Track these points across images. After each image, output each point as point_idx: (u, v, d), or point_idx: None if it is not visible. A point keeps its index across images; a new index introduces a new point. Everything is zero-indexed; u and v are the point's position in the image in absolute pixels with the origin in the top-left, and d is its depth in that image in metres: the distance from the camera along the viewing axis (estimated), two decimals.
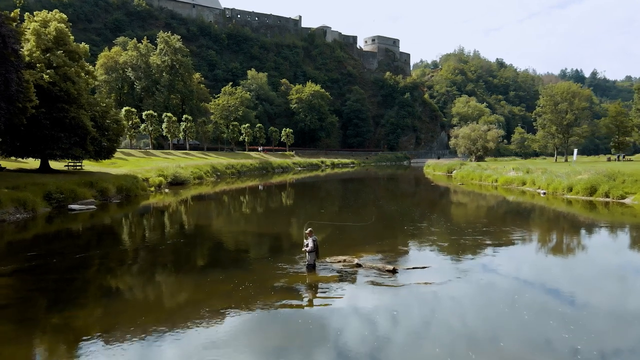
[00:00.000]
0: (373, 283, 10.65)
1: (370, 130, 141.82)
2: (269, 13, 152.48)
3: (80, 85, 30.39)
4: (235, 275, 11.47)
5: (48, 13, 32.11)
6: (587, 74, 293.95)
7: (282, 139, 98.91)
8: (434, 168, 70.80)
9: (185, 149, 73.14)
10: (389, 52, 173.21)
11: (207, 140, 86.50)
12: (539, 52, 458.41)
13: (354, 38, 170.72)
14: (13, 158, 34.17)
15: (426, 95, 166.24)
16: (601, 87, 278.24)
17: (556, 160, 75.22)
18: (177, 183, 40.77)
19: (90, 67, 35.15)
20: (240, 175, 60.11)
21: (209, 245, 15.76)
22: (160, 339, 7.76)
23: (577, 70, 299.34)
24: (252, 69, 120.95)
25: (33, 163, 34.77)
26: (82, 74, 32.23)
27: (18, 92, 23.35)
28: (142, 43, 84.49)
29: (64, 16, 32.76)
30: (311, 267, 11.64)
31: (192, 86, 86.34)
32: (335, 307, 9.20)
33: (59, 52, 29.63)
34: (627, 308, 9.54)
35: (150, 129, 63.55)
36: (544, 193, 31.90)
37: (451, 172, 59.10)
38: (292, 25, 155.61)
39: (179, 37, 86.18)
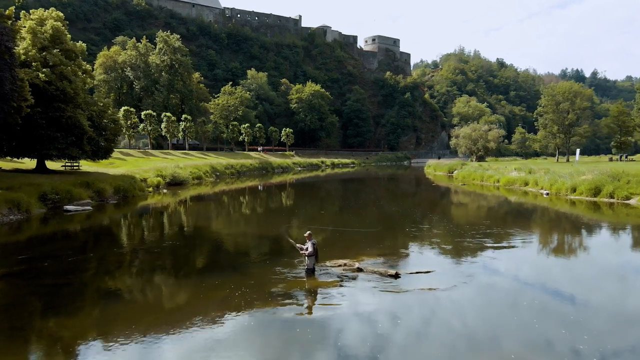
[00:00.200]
0: (375, 289, 10.24)
1: (370, 130, 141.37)
2: (268, 13, 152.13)
3: (77, 84, 29.99)
4: (232, 280, 11.06)
5: (44, 11, 31.69)
6: (587, 74, 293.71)
7: (282, 139, 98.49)
8: (434, 168, 70.37)
9: (185, 149, 72.72)
10: (389, 51, 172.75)
11: (206, 140, 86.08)
12: (539, 52, 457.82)
13: (354, 38, 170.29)
14: (9, 158, 33.78)
15: (426, 95, 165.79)
16: (602, 87, 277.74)
17: (557, 160, 74.80)
18: (175, 183, 40.34)
19: (88, 66, 34.72)
20: (240, 176, 59.69)
21: (206, 247, 15.33)
22: (150, 349, 7.34)
23: (577, 70, 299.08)
24: (252, 68, 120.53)
25: (29, 163, 34.37)
26: (79, 73, 31.84)
27: (12, 91, 22.94)
28: (141, 42, 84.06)
29: (61, 14, 32.33)
30: (310, 272, 11.22)
31: (192, 86, 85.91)
32: (336, 315, 8.79)
33: (55, 51, 29.22)
34: None
35: (149, 128, 63.13)
36: (547, 194, 31.48)
37: (452, 173, 58.66)
38: (292, 24, 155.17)
39: (178, 36, 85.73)
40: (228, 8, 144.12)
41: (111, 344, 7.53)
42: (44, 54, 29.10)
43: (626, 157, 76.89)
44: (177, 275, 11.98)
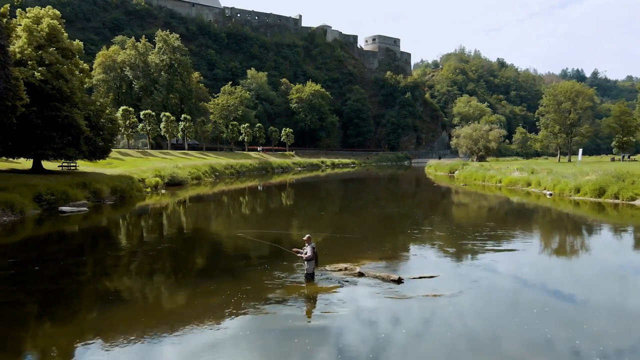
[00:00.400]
0: (377, 295, 9.80)
1: (370, 130, 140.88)
2: (269, 12, 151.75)
3: (73, 83, 29.51)
4: (228, 285, 10.63)
5: (41, 9, 31.25)
6: (588, 74, 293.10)
7: (282, 139, 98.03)
8: (435, 168, 69.93)
9: (184, 149, 72.27)
10: (389, 51, 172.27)
11: (206, 140, 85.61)
12: (540, 52, 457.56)
13: (355, 37, 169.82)
14: (4, 158, 33.35)
15: (427, 95, 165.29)
16: (602, 87, 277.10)
17: (559, 160, 74.31)
18: (174, 184, 39.92)
19: (85, 65, 34.27)
20: (240, 176, 59.26)
21: (203, 250, 14.88)
22: (139, 357, 6.93)
23: (578, 70, 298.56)
24: (252, 68, 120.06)
25: (26, 163, 33.93)
26: (76, 72, 31.36)
27: (6, 89, 22.50)
28: (140, 42, 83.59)
29: (57, 12, 31.89)
30: (310, 277, 10.78)
31: (191, 85, 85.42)
32: (336, 324, 8.35)
33: (51, 49, 28.75)
34: None
35: (148, 128, 62.65)
36: (550, 194, 31.05)
37: (453, 173, 58.22)
38: (292, 24, 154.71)
39: (177, 35, 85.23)
40: (228, 7, 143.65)
41: (98, 351, 7.09)
42: (40, 52, 28.64)
43: (629, 157, 76.35)
44: (171, 280, 11.54)
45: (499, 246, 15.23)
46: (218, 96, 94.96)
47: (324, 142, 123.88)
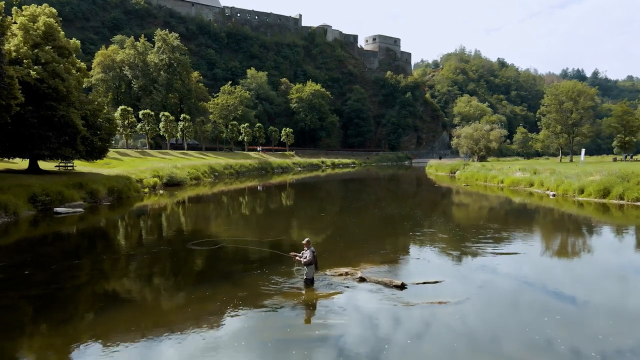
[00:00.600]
0: (379, 302, 9.37)
1: (371, 130, 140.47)
2: (268, 12, 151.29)
3: (70, 82, 29.08)
4: (224, 291, 10.20)
5: (37, 7, 30.82)
6: (588, 74, 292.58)
7: (282, 139, 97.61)
8: (436, 168, 69.50)
9: (183, 149, 71.84)
10: (390, 51, 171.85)
11: (205, 140, 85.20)
12: (540, 52, 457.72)
13: (355, 37, 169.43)
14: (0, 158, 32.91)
15: (427, 95, 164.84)
16: (603, 86, 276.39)
17: (561, 160, 73.83)
18: (172, 184, 39.51)
19: (82, 64, 33.85)
20: (239, 176, 58.85)
21: (199, 253, 14.39)
22: None
23: (578, 70, 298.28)
24: (252, 68, 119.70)
25: (22, 164, 33.50)
26: (73, 71, 30.94)
27: (0, 88, 22.07)
28: (139, 41, 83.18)
29: (54, 10, 31.46)
30: (309, 282, 10.35)
31: (191, 85, 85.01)
32: (336, 333, 7.91)
33: (47, 48, 28.33)
34: None
35: (147, 128, 62.20)
36: (554, 195, 30.61)
37: (454, 173, 57.78)
38: (292, 24, 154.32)
39: (176, 35, 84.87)
40: (228, 7, 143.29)
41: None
42: (35, 51, 28.23)
43: (631, 157, 75.89)
44: (165, 285, 11.10)
45: (504, 248, 14.79)
46: (218, 96, 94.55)
47: (324, 142, 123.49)
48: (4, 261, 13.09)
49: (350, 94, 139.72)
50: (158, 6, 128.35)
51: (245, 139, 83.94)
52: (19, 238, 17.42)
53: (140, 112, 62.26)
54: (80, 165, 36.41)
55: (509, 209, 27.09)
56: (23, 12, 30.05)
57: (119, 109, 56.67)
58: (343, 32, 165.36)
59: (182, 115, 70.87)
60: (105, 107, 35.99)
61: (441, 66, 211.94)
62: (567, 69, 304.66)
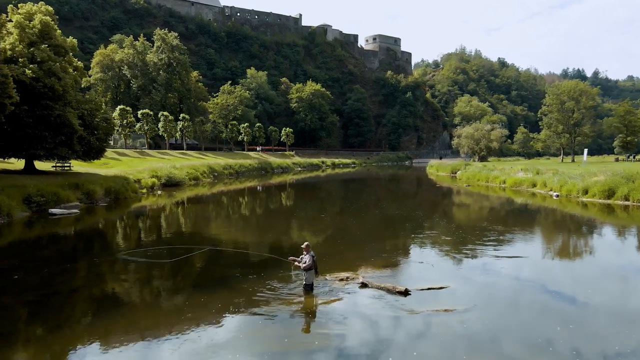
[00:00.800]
0: (382, 309, 8.94)
1: (371, 130, 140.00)
2: (268, 11, 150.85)
3: (66, 81, 28.61)
4: (220, 297, 9.76)
5: (33, 5, 30.37)
6: (588, 74, 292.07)
7: (281, 139, 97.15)
8: (437, 168, 69.05)
9: (183, 149, 71.42)
10: (390, 51, 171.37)
11: (205, 140, 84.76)
12: (540, 52, 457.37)
13: (355, 37, 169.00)
14: None
15: (428, 95, 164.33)
16: (603, 86, 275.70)
17: (562, 160, 73.39)
18: (171, 184, 39.09)
19: (79, 63, 33.41)
20: (239, 176, 58.42)
21: (195, 257, 13.93)
22: None
23: (579, 70, 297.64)
24: (252, 67, 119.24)
25: (18, 164, 33.06)
26: (70, 70, 30.50)
27: None
28: (138, 41, 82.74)
29: (50, 9, 31.01)
30: (309, 288, 9.91)
31: (190, 84, 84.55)
32: (336, 344, 7.47)
33: (43, 46, 27.89)
34: None
35: (146, 128, 61.76)
36: (557, 195, 30.17)
37: (455, 173, 57.35)
38: (292, 23, 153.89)
39: (176, 34, 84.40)
40: (227, 6, 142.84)
41: None
42: (31, 49, 27.79)
43: (634, 157, 75.42)
44: (157, 291, 10.67)
45: (509, 251, 14.35)
46: (217, 96, 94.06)
47: (324, 142, 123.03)
48: None
49: (351, 93, 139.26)
50: (157, 5, 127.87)
51: (245, 139, 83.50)
52: (12, 240, 17.00)
53: (139, 112, 61.81)
54: (78, 166, 35.98)
55: (512, 210, 26.65)
56: (19, 10, 29.61)
57: (118, 108, 56.24)
58: (343, 32, 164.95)
59: (181, 115, 70.42)
60: (103, 106, 35.46)
61: (441, 66, 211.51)
62: (568, 68, 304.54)
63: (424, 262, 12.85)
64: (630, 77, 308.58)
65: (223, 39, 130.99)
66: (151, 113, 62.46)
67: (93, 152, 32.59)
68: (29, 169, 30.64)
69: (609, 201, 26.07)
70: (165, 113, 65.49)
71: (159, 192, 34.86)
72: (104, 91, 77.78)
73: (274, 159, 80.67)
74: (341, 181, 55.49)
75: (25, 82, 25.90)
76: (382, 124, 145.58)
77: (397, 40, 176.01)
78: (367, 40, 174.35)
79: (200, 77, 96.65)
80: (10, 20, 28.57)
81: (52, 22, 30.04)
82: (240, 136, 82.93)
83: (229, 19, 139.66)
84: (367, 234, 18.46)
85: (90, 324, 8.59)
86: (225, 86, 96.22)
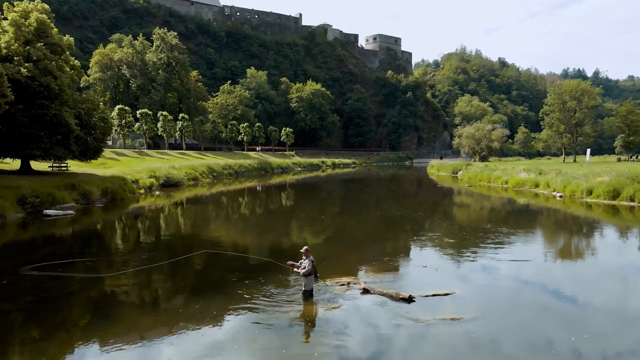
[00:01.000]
0: (385, 317, 8.51)
1: (371, 130, 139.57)
2: (268, 11, 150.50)
3: (62, 80, 28.15)
4: (215, 304, 9.34)
5: (29, 3, 29.93)
6: (589, 74, 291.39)
7: (281, 139, 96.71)
8: (438, 168, 68.63)
9: (182, 149, 70.98)
10: (390, 50, 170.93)
11: (204, 140, 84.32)
12: (540, 52, 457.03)
13: (355, 36, 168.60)
14: None
15: (428, 95, 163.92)
16: (604, 86, 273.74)
17: (564, 160, 72.96)
18: (170, 185, 38.66)
19: (76, 61, 32.96)
20: (238, 176, 57.99)
21: (191, 260, 13.47)
22: None
23: (579, 69, 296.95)
24: (252, 67, 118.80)
25: (14, 164, 32.61)
26: (66, 69, 30.05)
27: None
28: (137, 40, 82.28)
29: (46, 7, 30.55)
30: (308, 294, 9.48)
31: (189, 84, 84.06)
32: (337, 355, 7.04)
33: (39, 45, 27.45)
34: None
35: (145, 128, 61.31)
36: (561, 196, 29.73)
37: (457, 173, 56.93)
38: (292, 23, 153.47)
39: (175, 33, 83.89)
40: (227, 6, 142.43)
41: None
42: (27, 48, 27.35)
43: (636, 157, 74.96)
44: (150, 297, 10.24)
45: (517, 255, 13.89)
46: (217, 95, 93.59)
47: (324, 142, 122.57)
48: None
49: (351, 93, 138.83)
50: (157, 5, 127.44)
51: (245, 139, 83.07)
52: (6, 242, 16.57)
53: (138, 112, 61.36)
54: (75, 166, 35.53)
55: (516, 211, 26.21)
56: (14, 8, 29.17)
57: (117, 108, 55.80)
58: (343, 32, 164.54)
59: (180, 115, 69.95)
60: (101, 105, 34.98)
61: (442, 66, 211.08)
62: (568, 68, 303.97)
63: (428, 266, 12.42)
64: (631, 77, 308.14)
65: (223, 38, 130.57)
66: (150, 113, 62.02)
67: (90, 152, 32.12)
68: (25, 170, 30.21)
69: (614, 202, 25.64)
70: (165, 113, 65.05)
71: (157, 192, 34.45)
72: (103, 91, 77.27)
73: (274, 159, 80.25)
74: (341, 181, 55.06)
75: (21, 80, 25.46)
76: (383, 124, 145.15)
77: (397, 40, 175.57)
78: (367, 40, 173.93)
79: (200, 76, 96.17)
80: (6, 19, 28.16)
81: (49, 20, 29.60)
82: (240, 136, 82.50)
83: (228, 18, 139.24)
84: (368, 235, 18.04)
85: (68, 337, 8.16)
86: (225, 86, 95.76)
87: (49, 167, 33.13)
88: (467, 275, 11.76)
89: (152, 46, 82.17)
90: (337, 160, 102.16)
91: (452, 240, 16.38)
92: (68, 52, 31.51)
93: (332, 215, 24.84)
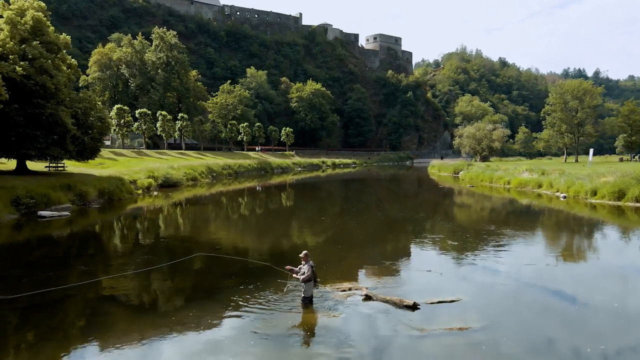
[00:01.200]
0: (389, 326, 8.08)
1: (372, 130, 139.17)
2: (268, 10, 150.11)
3: (59, 79, 27.72)
4: (208, 312, 8.89)
5: (25, 1, 29.50)
6: (589, 74, 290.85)
7: (281, 139, 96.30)
8: (439, 169, 68.20)
9: (181, 149, 70.56)
10: (390, 50, 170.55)
11: (204, 139, 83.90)
12: (540, 52, 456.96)
13: (356, 36, 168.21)
14: None
15: (429, 94, 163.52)
16: (604, 86, 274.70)
17: (566, 160, 72.50)
18: (168, 185, 38.23)
19: (73, 60, 32.54)
20: (238, 176, 57.57)
21: (186, 265, 12.99)
22: None
23: (579, 69, 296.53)
24: (252, 67, 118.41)
25: (10, 164, 32.15)
26: (63, 68, 29.63)
27: None
28: (136, 39, 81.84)
29: (43, 5, 30.13)
30: (307, 301, 9.05)
31: (189, 84, 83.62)
32: None
33: (34, 43, 27.02)
34: None
35: (144, 127, 60.87)
36: (564, 197, 29.29)
37: (458, 173, 56.50)
38: (292, 22, 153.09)
39: (174, 33, 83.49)
40: (227, 5, 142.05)
41: None
42: (23, 46, 26.92)
43: (639, 157, 74.50)
44: (141, 304, 9.81)
45: (525, 258, 13.43)
46: (217, 95, 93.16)
47: (324, 142, 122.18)
48: None
49: (351, 93, 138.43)
50: (157, 4, 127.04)
51: (245, 139, 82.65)
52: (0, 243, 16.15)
53: (137, 111, 60.94)
54: (72, 166, 35.09)
55: (520, 212, 25.75)
56: (10, 6, 28.73)
57: (115, 107, 55.37)
58: (344, 31, 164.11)
59: (180, 115, 69.52)
60: (99, 105, 34.54)
61: (442, 66, 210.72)
62: (569, 68, 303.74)
63: (432, 271, 11.97)
64: (631, 77, 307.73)
65: (223, 38, 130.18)
66: (149, 112, 61.60)
67: (87, 152, 31.69)
68: (21, 170, 29.77)
69: (619, 203, 25.20)
70: (164, 112, 64.64)
71: (155, 193, 34.03)
72: (101, 90, 76.86)
73: (274, 159, 79.84)
74: (342, 181, 54.63)
75: (16, 79, 25.02)
76: (383, 124, 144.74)
77: (397, 40, 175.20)
78: (367, 40, 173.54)
79: (200, 76, 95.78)
80: (1, 16, 27.73)
81: (45, 19, 29.17)
82: (240, 136, 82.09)
83: (228, 18, 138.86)
84: (370, 237, 17.61)
85: (65, 341, 7.72)
86: (224, 85, 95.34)
87: (46, 167, 32.70)
88: (474, 280, 11.32)
89: (151, 45, 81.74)
90: (337, 160, 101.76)
91: (455, 243, 15.95)
92: (65, 51, 31.12)
93: (332, 217, 24.41)
